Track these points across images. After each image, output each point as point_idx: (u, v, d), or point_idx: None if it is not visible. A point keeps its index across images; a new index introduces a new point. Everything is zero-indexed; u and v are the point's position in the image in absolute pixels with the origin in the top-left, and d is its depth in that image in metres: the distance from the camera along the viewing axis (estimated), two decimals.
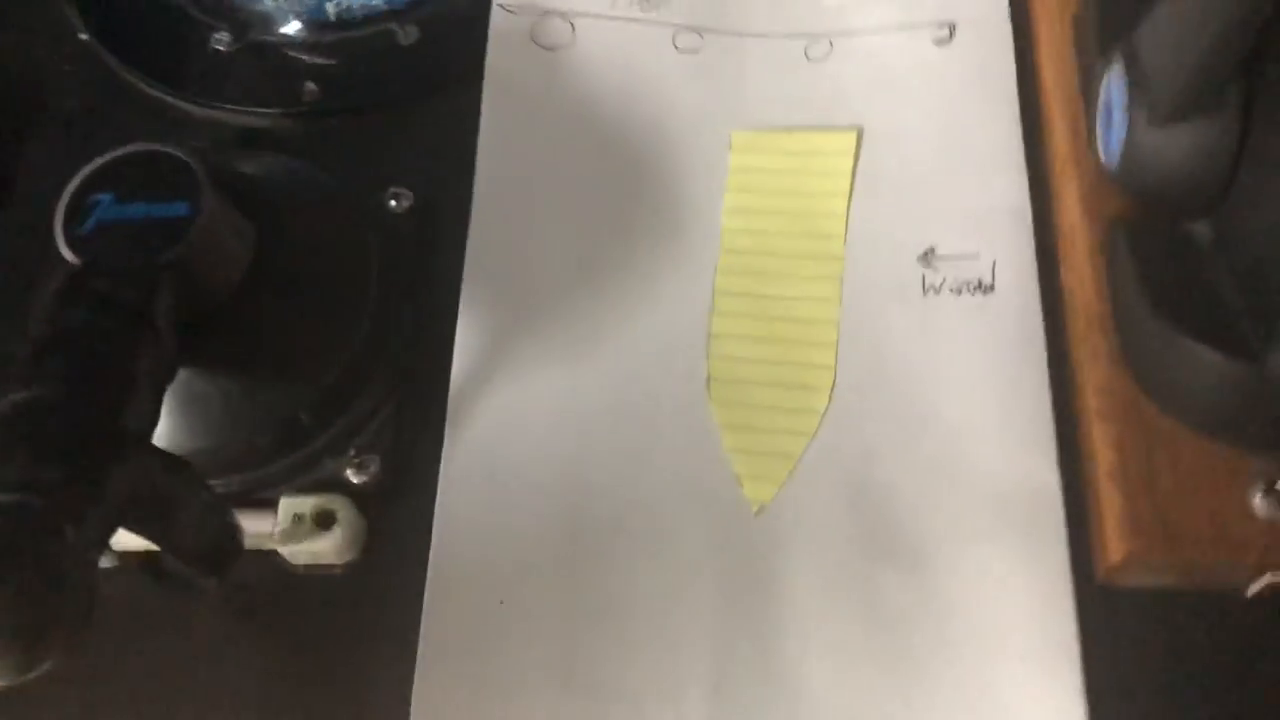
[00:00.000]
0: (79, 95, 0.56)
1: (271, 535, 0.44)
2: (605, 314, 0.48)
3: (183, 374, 0.40)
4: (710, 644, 0.42)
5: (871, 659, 0.42)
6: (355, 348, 0.46)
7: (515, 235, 0.50)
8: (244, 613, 0.45)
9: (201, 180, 0.40)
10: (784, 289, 0.48)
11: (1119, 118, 0.43)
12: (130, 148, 0.41)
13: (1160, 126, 0.41)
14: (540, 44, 0.54)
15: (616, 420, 0.46)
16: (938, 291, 0.47)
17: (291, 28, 0.56)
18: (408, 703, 0.42)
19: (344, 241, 0.48)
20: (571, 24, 0.54)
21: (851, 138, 0.50)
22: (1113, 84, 0.43)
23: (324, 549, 0.44)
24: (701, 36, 0.53)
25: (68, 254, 0.39)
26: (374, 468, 0.46)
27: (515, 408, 0.47)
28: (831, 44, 0.53)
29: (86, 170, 0.40)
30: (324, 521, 0.44)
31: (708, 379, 0.47)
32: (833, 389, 0.46)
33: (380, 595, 0.45)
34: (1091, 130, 0.45)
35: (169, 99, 0.55)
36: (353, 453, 0.46)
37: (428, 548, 0.45)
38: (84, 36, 0.57)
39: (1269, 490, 0.40)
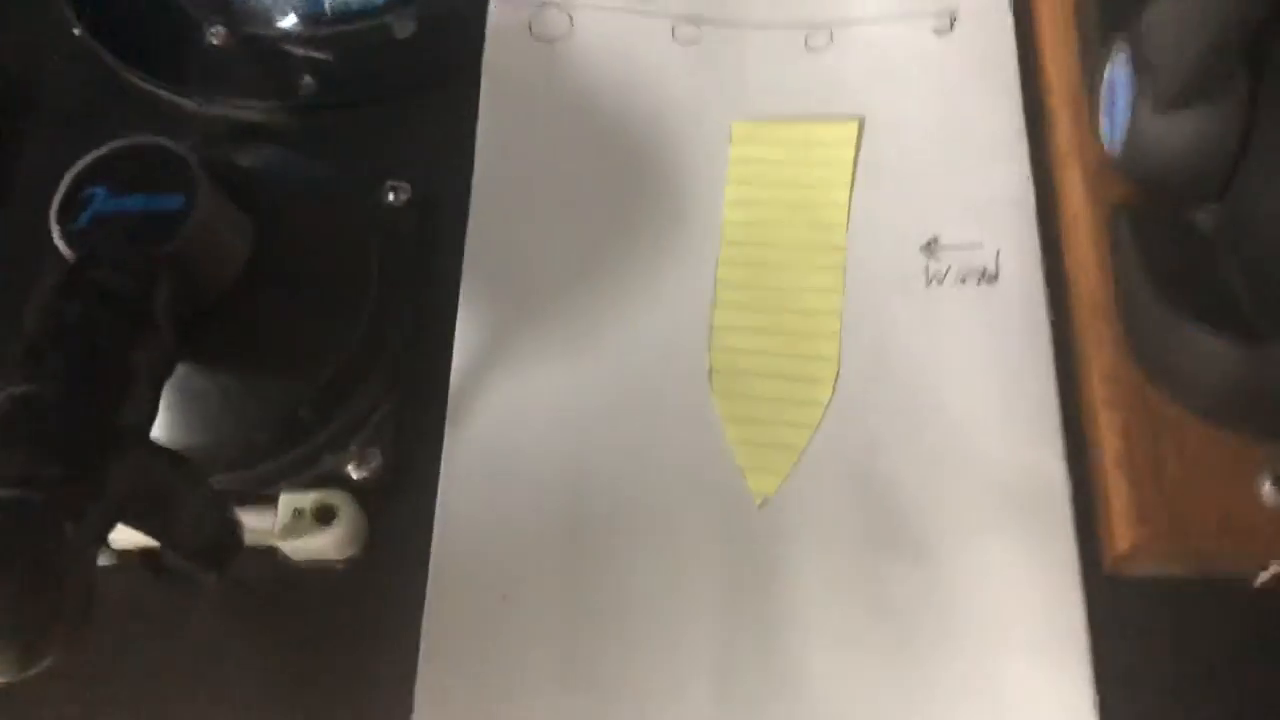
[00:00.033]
0: (73, 92, 0.56)
1: (272, 531, 0.44)
2: (606, 307, 0.48)
3: (181, 369, 0.40)
4: (714, 638, 0.42)
5: (877, 651, 0.42)
6: (355, 342, 0.46)
7: (515, 229, 0.50)
8: (244, 610, 0.45)
9: (197, 173, 0.40)
10: (786, 280, 0.48)
11: (1123, 104, 0.42)
12: (124, 141, 0.41)
13: (1165, 113, 0.41)
14: (538, 36, 0.54)
15: (618, 414, 0.46)
16: (941, 281, 0.47)
17: (287, 21, 0.55)
18: (410, 700, 0.42)
19: (342, 235, 0.48)
20: (570, 16, 0.54)
21: (853, 128, 0.50)
22: (1116, 70, 0.43)
23: (324, 545, 0.44)
24: (700, 27, 0.53)
25: (63, 248, 0.39)
26: (374, 463, 0.45)
27: (516, 401, 0.46)
28: (832, 34, 0.52)
29: (81, 164, 0.40)
30: (324, 517, 0.44)
31: (710, 371, 0.46)
32: (836, 380, 0.46)
33: (381, 591, 0.44)
34: (1095, 117, 0.45)
35: (164, 94, 0.55)
36: (353, 448, 0.46)
37: (429, 543, 0.44)
38: (78, 32, 0.56)
39: (1277, 479, 0.40)
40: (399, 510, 0.45)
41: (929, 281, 0.47)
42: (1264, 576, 0.41)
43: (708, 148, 0.51)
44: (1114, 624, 0.42)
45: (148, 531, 0.36)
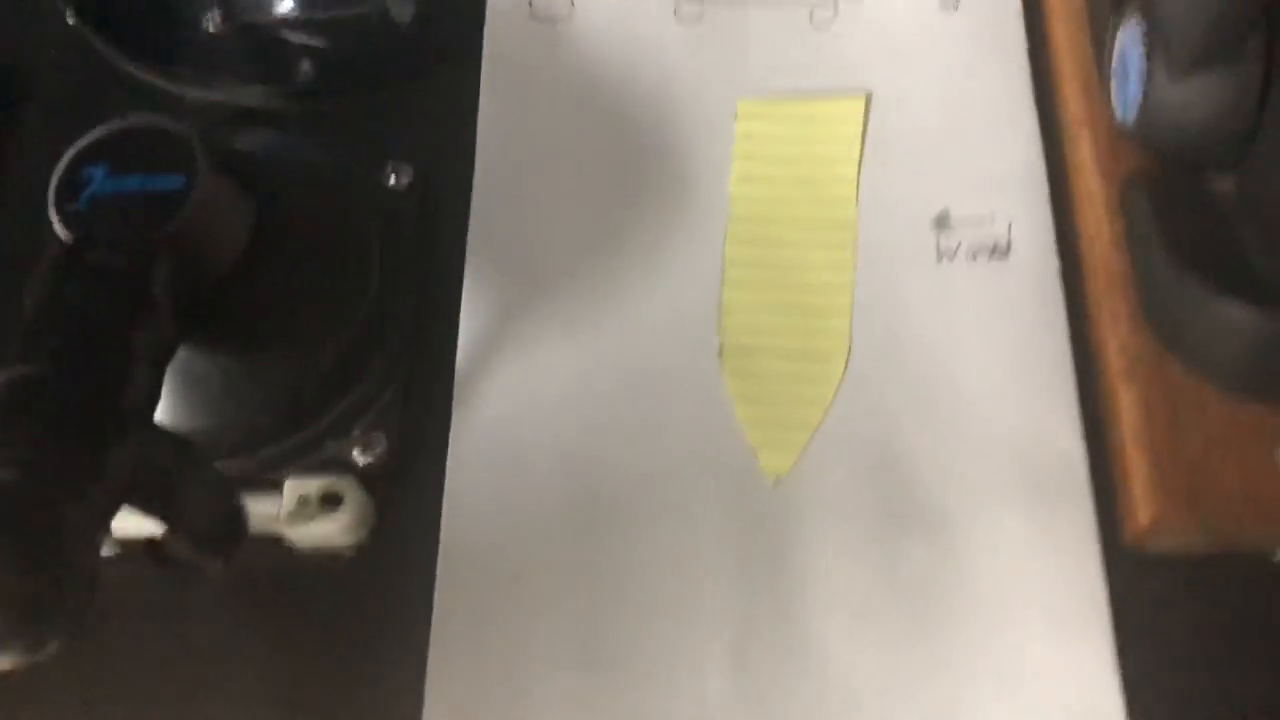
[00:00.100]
0: (69, 81, 0.55)
1: (277, 517, 0.43)
2: (613, 287, 0.47)
3: (183, 352, 0.39)
4: (730, 617, 0.42)
5: (894, 628, 0.41)
6: (358, 324, 0.45)
7: (519, 210, 0.49)
8: (250, 600, 0.44)
9: (197, 152, 0.39)
10: (795, 256, 0.47)
11: (1135, 71, 0.42)
12: (123, 121, 0.40)
13: (1179, 79, 0.40)
14: (539, 17, 0.53)
15: (627, 394, 0.45)
16: (953, 256, 0.46)
17: (284, 7, 0.54)
18: (421, 688, 0.41)
19: (344, 218, 0.47)
20: None
21: (859, 103, 0.49)
22: (1128, 36, 0.42)
23: (331, 531, 0.43)
24: (703, 5, 0.52)
25: (61, 230, 0.38)
26: (380, 447, 0.45)
27: (524, 382, 0.46)
28: (836, 9, 0.52)
29: (79, 144, 0.39)
30: (330, 503, 0.43)
31: (720, 350, 0.46)
32: (848, 356, 0.45)
33: (390, 577, 0.44)
34: (1106, 86, 0.44)
35: (160, 83, 0.54)
36: (358, 432, 0.45)
37: (437, 528, 0.44)
38: (72, 21, 0.56)
39: None
40: (406, 494, 0.45)
41: (940, 256, 0.46)
42: None
43: (712, 126, 0.50)
44: (1135, 599, 0.41)
45: (152, 515, 0.35)
